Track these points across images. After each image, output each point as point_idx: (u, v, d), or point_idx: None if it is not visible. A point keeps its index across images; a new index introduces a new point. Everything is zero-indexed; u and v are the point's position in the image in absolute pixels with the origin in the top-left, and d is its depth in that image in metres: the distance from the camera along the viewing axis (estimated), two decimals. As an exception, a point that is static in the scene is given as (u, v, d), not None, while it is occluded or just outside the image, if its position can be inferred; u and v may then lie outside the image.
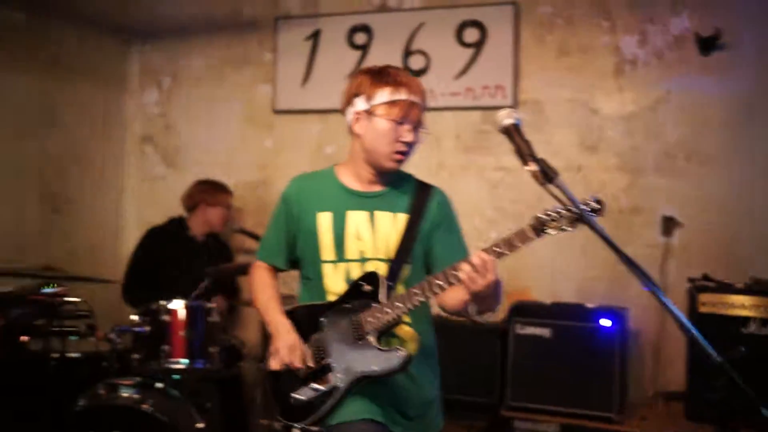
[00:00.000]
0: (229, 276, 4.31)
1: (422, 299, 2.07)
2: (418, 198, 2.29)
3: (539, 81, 4.24)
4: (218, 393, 3.80)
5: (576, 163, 4.12)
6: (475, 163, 4.34)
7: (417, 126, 2.20)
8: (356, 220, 2.25)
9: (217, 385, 3.81)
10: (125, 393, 3.13)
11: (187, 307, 3.36)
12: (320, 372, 2.16)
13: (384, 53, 4.39)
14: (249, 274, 2.45)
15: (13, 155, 4.22)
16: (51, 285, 2.45)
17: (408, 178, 2.36)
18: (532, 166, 1.76)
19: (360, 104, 2.20)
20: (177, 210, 4.37)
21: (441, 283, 2.03)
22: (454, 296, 2.15)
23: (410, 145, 2.20)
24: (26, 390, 3.15)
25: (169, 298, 3.44)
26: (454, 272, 2.00)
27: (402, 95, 2.17)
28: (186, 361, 3.31)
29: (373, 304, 2.13)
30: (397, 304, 2.10)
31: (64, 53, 4.50)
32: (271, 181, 4.69)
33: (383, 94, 2.17)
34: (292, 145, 4.64)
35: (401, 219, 2.25)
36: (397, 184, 2.31)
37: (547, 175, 1.73)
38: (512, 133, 1.82)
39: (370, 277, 2.17)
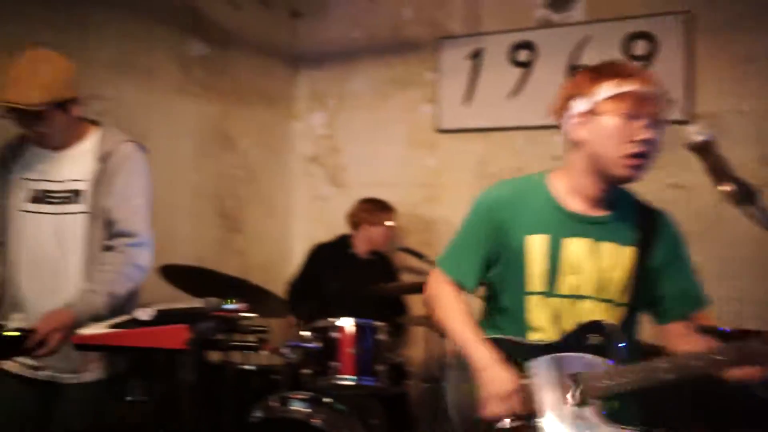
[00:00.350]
0: (395, 294, 4.37)
1: (671, 377, 1.72)
2: (645, 226, 1.94)
3: (715, 92, 3.99)
4: (384, 411, 3.84)
5: (756, 179, 3.82)
6: (645, 180, 4.14)
7: (655, 122, 1.82)
8: (575, 249, 1.90)
9: (382, 402, 3.85)
10: (296, 407, 3.23)
11: (356, 325, 3.43)
12: (519, 430, 1.82)
13: (548, 69, 4.31)
14: (428, 287, 2.13)
15: (194, 175, 4.50)
16: (231, 301, 2.56)
17: (629, 198, 2.02)
18: (728, 186, 1.60)
19: (579, 105, 1.86)
20: (343, 229, 4.48)
21: (701, 365, 1.71)
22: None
23: (648, 143, 1.81)
24: (208, 399, 3.33)
25: (335, 315, 3.53)
26: (718, 358, 1.68)
27: (631, 86, 1.80)
28: (354, 377, 3.37)
29: (600, 363, 1.80)
30: (631, 372, 1.75)
31: (239, 80, 4.75)
32: (434, 200, 4.71)
33: (607, 88, 1.82)
34: (455, 165, 4.64)
35: (628, 253, 1.91)
36: (622, 208, 1.96)
37: (747, 196, 1.59)
38: (705, 150, 1.65)
39: (598, 328, 1.83)
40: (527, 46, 4.42)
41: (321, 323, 3.44)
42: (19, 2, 3.54)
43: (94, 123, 2.54)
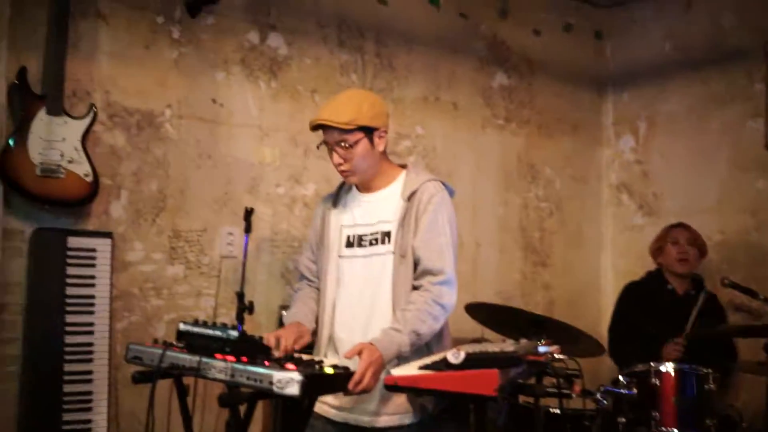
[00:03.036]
0: (721, 337, 3.90)
1: None
2: None
3: None
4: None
5: None
6: None
7: None
8: None
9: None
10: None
11: (678, 371, 3.10)
12: None
13: None
14: None
15: (499, 209, 4.47)
16: (543, 342, 2.42)
17: None
18: None
19: None
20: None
21: None
22: None
23: None
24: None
25: (657, 359, 3.22)
26: None
27: None
28: (676, 430, 3.06)
29: None
30: None
31: (543, 108, 4.65)
32: (766, 226, 4.14)
33: None
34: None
35: None
36: None
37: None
38: None
39: None
40: None
41: (640, 368, 3.18)
42: (328, 50, 3.80)
43: (403, 166, 2.61)
